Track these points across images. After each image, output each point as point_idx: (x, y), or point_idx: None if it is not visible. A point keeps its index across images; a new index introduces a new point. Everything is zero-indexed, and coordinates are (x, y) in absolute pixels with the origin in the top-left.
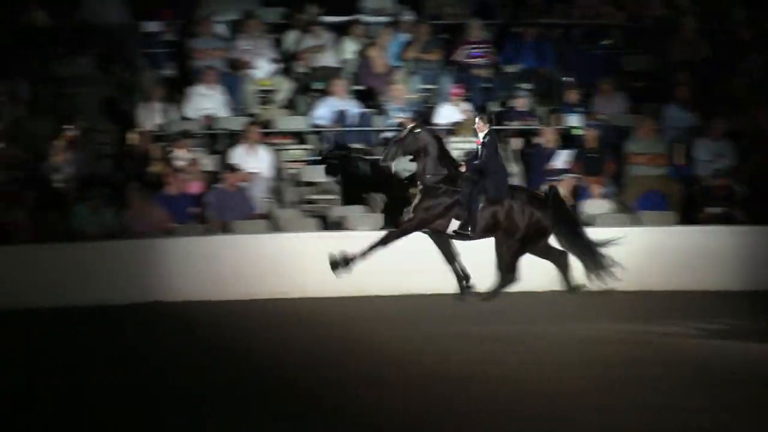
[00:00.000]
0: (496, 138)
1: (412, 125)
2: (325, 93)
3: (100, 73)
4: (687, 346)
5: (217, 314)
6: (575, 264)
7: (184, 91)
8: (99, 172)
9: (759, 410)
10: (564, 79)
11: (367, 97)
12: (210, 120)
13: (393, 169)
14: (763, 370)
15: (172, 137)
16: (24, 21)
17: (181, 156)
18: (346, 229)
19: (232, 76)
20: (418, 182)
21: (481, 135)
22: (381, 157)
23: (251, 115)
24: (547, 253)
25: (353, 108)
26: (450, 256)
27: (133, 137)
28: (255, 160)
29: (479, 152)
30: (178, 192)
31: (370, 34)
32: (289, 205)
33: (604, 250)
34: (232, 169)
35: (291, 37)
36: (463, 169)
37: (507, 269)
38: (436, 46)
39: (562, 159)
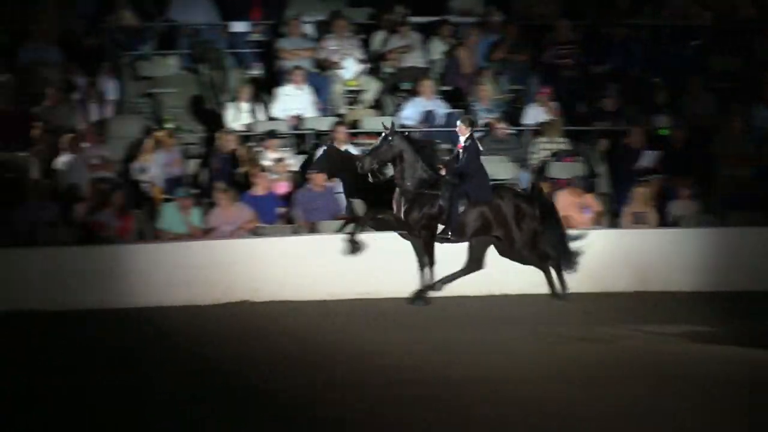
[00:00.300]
0: (477, 142)
1: (386, 132)
2: (412, 93)
3: (188, 73)
4: None
5: (305, 314)
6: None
7: (272, 91)
8: (186, 173)
9: None
10: (652, 79)
11: (455, 98)
12: (297, 120)
13: (371, 178)
14: None
15: (259, 137)
16: (112, 21)
17: (269, 156)
18: None
19: (320, 76)
20: (396, 188)
21: (462, 139)
22: (358, 167)
23: (338, 116)
24: (531, 258)
25: (440, 108)
26: (422, 262)
27: (220, 137)
28: None
29: (460, 156)
30: (265, 192)
31: (457, 34)
32: (376, 205)
33: (578, 252)
34: (320, 169)
35: (378, 38)
36: (443, 173)
37: (540, 262)
38: (524, 46)
39: (649, 160)
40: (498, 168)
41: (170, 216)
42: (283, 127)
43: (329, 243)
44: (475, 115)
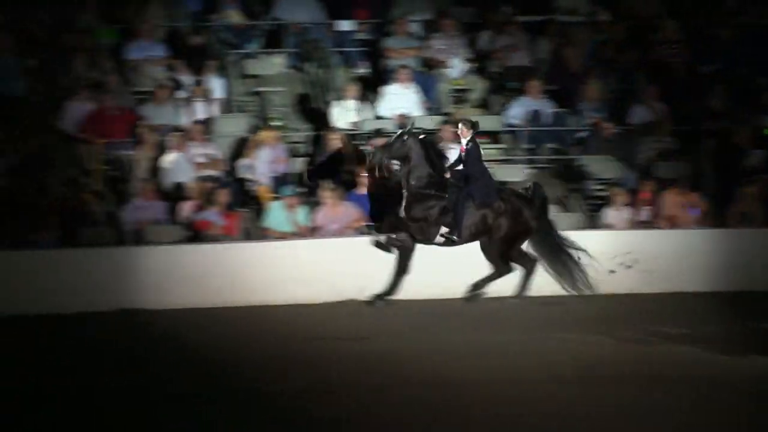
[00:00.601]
0: (478, 144)
1: (401, 131)
2: (518, 92)
3: (294, 72)
4: None
5: (412, 313)
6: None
7: (378, 90)
8: (293, 171)
9: None
10: (758, 79)
11: (561, 97)
12: (404, 119)
13: (377, 173)
14: None
15: (365, 136)
16: (218, 19)
17: None
18: None
19: (426, 75)
20: (403, 189)
21: (464, 141)
22: (369, 159)
23: (445, 115)
24: (519, 257)
25: (547, 108)
26: (404, 269)
27: (326, 136)
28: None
29: (462, 159)
30: (371, 191)
31: (564, 33)
32: None
33: (577, 257)
34: None
35: (485, 37)
36: (447, 175)
37: (502, 265)
38: (631, 45)
39: (755, 159)
40: (605, 168)
41: (276, 214)
42: (389, 126)
43: None
44: (473, 119)
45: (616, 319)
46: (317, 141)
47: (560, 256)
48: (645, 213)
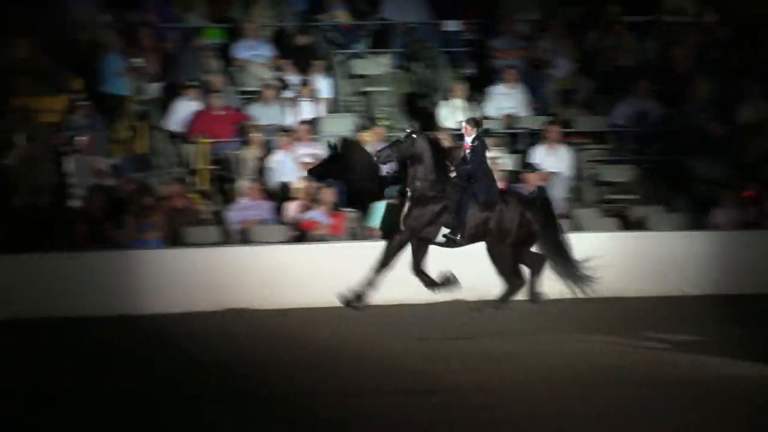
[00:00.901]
0: (484, 142)
1: (410, 130)
2: (625, 93)
3: (401, 72)
4: None
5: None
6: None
7: (485, 90)
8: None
9: None
10: None
11: (668, 98)
12: (510, 119)
13: (384, 171)
14: None
15: None
16: (325, 19)
17: None
18: (647, 229)
19: (533, 75)
20: (407, 188)
21: (468, 139)
22: (375, 158)
23: (551, 115)
24: (526, 257)
25: (654, 108)
26: (419, 266)
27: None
28: (555, 160)
29: (467, 157)
30: None
31: (671, 33)
32: (589, 204)
33: (581, 259)
34: (533, 168)
35: (592, 37)
36: (452, 175)
37: (512, 274)
38: (738, 45)
39: None
40: (712, 168)
41: (381, 215)
42: (496, 126)
43: None
44: (478, 117)
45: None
46: None
47: (565, 259)
48: (752, 213)
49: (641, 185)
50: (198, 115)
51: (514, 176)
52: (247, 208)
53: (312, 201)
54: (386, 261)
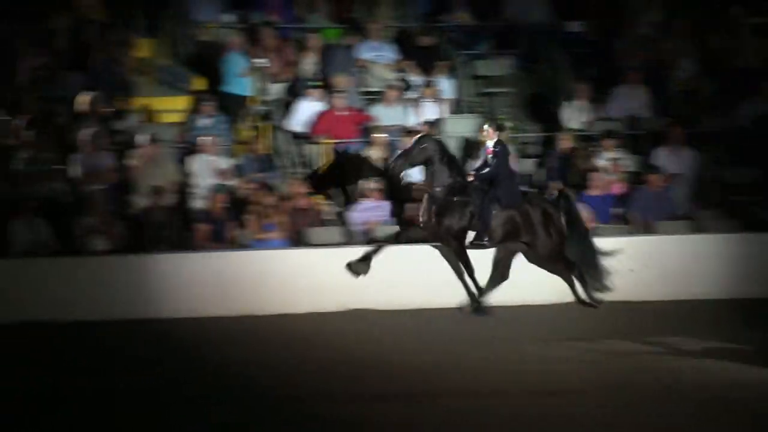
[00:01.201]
0: (506, 146)
1: (419, 136)
2: (748, 94)
3: (524, 73)
4: None
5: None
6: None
7: (608, 91)
8: (522, 172)
9: None
10: None
11: None
12: (634, 120)
13: (401, 180)
14: None
15: (595, 137)
16: (448, 20)
17: (605, 156)
18: None
19: (656, 76)
20: (426, 193)
21: (490, 143)
22: (389, 167)
23: (674, 116)
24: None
25: None
26: (459, 271)
27: (557, 137)
28: (677, 161)
29: (488, 161)
30: (601, 192)
31: None
32: (711, 206)
33: (605, 261)
34: (655, 170)
35: (715, 38)
36: (471, 178)
37: (565, 269)
38: None
39: None
40: None
41: None
42: (619, 128)
43: (666, 243)
44: (500, 121)
45: None
46: (547, 142)
47: (588, 262)
48: None
49: (764, 186)
50: (321, 116)
51: (636, 178)
52: (369, 208)
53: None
54: (468, 267)
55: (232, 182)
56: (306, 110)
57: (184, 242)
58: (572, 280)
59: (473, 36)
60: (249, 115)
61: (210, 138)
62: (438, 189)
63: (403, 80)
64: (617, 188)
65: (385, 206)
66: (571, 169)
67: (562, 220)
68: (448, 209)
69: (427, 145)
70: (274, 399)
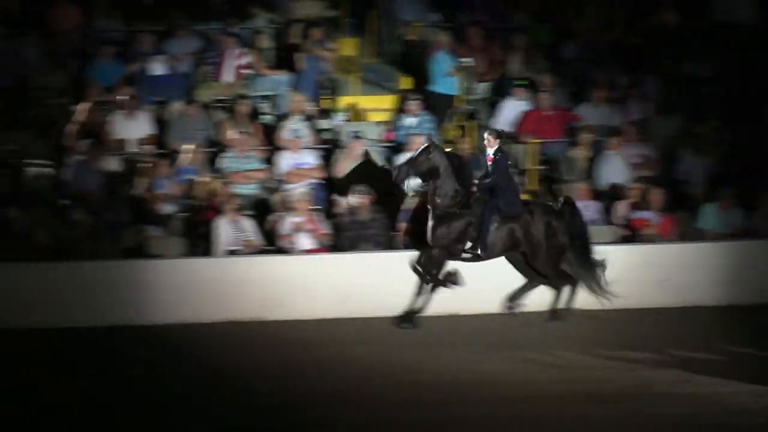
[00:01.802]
0: (506, 154)
1: (425, 145)
2: None
3: (729, 73)
4: None
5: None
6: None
7: None
8: (728, 172)
9: None
10: None
11: None
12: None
13: (406, 188)
14: None
15: None
16: (656, 21)
17: None
18: None
19: None
20: (428, 204)
21: (490, 151)
22: (393, 175)
23: None
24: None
25: None
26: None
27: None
28: None
29: (489, 169)
30: None
31: None
32: None
33: (604, 269)
34: None
35: None
36: (474, 189)
37: (559, 279)
38: None
39: None
40: None
41: (710, 215)
42: None
43: None
44: (500, 129)
45: None
46: (751, 142)
47: (590, 270)
48: None
49: None
50: (527, 115)
51: None
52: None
53: (641, 201)
54: (435, 278)
55: None
56: (512, 110)
57: (389, 242)
58: (560, 290)
59: (679, 36)
60: (455, 114)
61: (417, 137)
62: (439, 200)
63: (609, 80)
64: None
65: (592, 206)
66: None
67: (565, 232)
68: (445, 220)
69: (432, 154)
70: None
